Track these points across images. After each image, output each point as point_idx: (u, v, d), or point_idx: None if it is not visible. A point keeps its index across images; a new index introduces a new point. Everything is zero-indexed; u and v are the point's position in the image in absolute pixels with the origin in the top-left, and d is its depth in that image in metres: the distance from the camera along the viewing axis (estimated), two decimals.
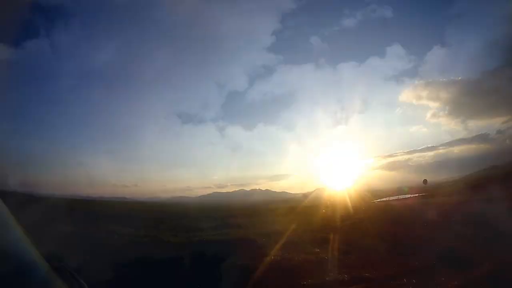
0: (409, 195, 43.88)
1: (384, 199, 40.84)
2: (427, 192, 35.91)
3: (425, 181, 32.61)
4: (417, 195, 38.71)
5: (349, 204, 24.88)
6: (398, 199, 39.25)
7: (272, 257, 9.27)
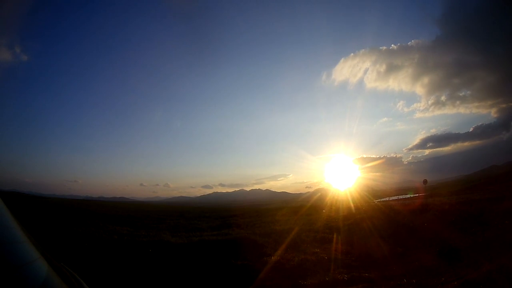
0: (408, 195, 43.97)
1: (384, 199, 40.93)
2: (427, 192, 35.94)
3: (425, 181, 32.55)
4: (417, 195, 38.79)
5: (349, 205, 24.94)
6: (398, 199, 39.32)
7: (272, 257, 9.26)
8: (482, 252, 7.65)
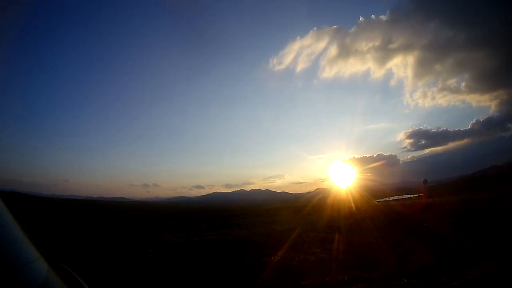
0: (408, 195, 44.00)
1: (385, 199, 40.94)
2: (427, 191, 35.96)
3: (425, 181, 32.59)
4: (417, 195, 38.82)
5: (350, 205, 24.95)
6: (398, 199, 39.34)
7: (273, 257, 9.26)
8: (482, 252, 7.64)
